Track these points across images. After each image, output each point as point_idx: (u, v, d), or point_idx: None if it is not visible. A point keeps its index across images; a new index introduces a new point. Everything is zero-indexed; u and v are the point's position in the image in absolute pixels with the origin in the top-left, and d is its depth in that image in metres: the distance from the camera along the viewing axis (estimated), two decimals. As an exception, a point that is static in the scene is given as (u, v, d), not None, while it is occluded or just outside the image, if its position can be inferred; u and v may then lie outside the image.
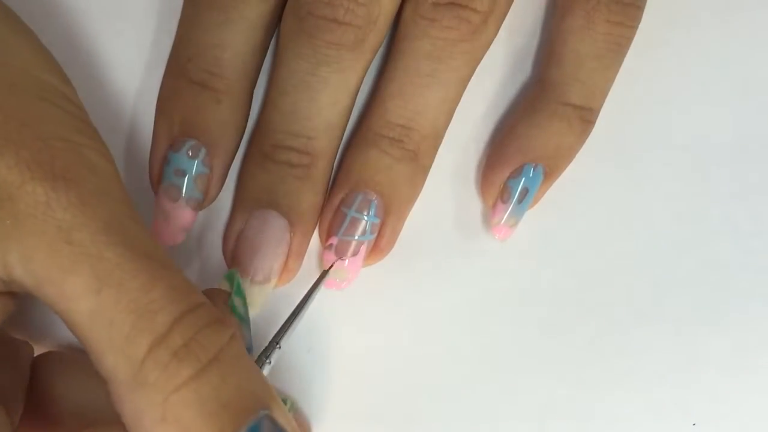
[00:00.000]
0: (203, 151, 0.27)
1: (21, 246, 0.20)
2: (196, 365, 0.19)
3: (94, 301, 0.19)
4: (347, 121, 0.28)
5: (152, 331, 0.19)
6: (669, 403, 0.30)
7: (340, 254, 0.28)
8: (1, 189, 0.20)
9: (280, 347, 0.25)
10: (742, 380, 0.30)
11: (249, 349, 0.25)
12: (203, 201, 0.27)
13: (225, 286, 0.26)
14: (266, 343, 0.25)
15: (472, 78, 0.28)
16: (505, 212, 0.28)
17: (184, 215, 0.27)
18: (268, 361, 0.25)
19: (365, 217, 0.27)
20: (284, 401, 0.26)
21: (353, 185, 0.27)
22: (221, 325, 0.20)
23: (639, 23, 0.28)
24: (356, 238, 0.27)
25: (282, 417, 0.20)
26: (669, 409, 0.30)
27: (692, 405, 0.30)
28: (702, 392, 0.30)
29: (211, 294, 0.24)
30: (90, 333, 0.20)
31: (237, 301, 0.25)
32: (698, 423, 0.30)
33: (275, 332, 0.25)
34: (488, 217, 0.29)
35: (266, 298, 0.27)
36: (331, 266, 0.28)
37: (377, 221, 0.27)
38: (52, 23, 0.29)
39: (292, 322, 0.26)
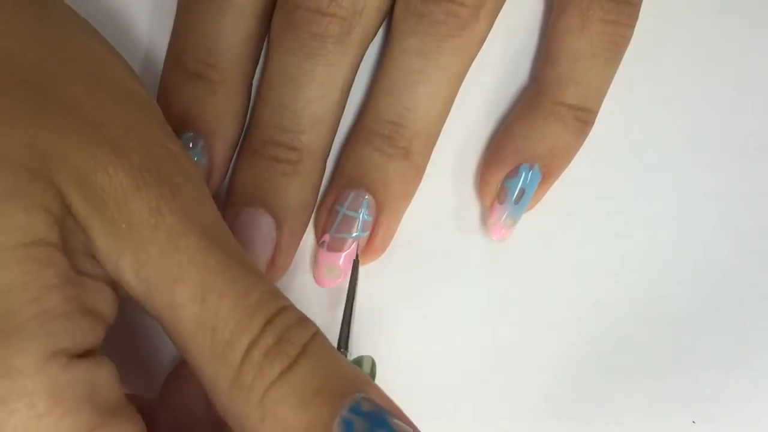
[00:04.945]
0: (201, 142, 0.27)
1: (135, 251, 0.20)
2: (285, 360, 0.20)
3: (198, 309, 0.20)
4: (338, 117, 0.28)
5: (248, 335, 0.20)
6: (668, 401, 0.30)
7: (332, 251, 0.28)
8: (118, 193, 0.20)
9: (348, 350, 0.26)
10: (741, 379, 0.30)
11: None
12: None
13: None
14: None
15: (470, 78, 0.28)
16: (502, 213, 0.28)
17: None
18: None
19: (358, 215, 0.27)
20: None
21: (345, 183, 0.28)
22: (306, 323, 0.21)
23: (635, 21, 0.28)
24: (348, 235, 0.27)
25: (380, 397, 0.21)
26: (668, 407, 0.30)
27: (692, 403, 0.30)
28: (701, 390, 0.30)
29: None
30: (193, 341, 0.20)
31: None
32: (698, 421, 0.30)
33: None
34: (486, 218, 0.29)
35: None
36: (357, 258, 0.28)
37: (370, 219, 0.27)
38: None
39: (349, 326, 0.26)
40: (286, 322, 0.20)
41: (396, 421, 0.20)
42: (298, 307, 0.21)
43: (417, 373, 0.30)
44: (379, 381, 0.29)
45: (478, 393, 0.30)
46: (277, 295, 0.21)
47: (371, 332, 0.30)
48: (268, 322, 0.20)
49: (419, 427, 0.29)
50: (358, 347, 0.29)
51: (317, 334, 0.21)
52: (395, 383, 0.29)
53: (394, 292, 0.30)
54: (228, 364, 0.20)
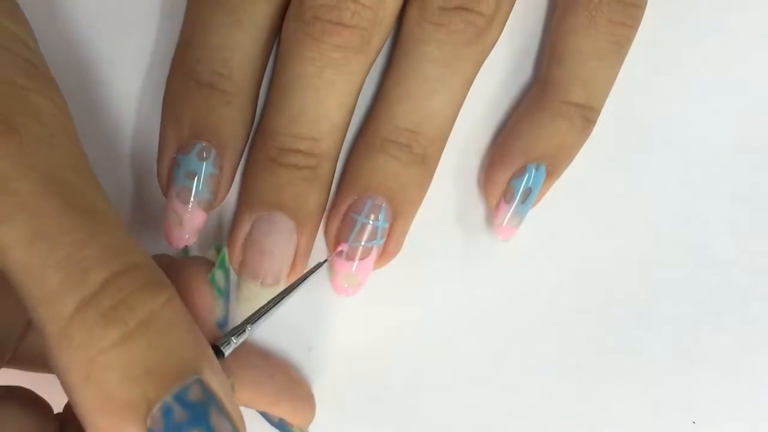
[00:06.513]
0: (213, 152, 0.27)
1: None
2: (122, 329, 0.19)
3: (26, 253, 0.19)
4: (350, 120, 0.28)
5: (81, 290, 0.19)
6: (668, 401, 0.30)
7: (351, 260, 0.27)
8: None
9: (247, 331, 0.24)
10: (741, 379, 0.30)
11: (221, 325, 0.24)
12: (213, 202, 0.27)
13: (212, 255, 0.25)
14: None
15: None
16: (509, 212, 0.28)
17: (195, 217, 0.27)
18: (233, 341, 0.23)
19: (375, 223, 0.27)
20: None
21: (362, 191, 0.27)
22: (156, 288, 0.20)
23: (639, 24, 0.28)
24: (367, 243, 0.27)
25: (215, 381, 0.20)
26: (668, 408, 0.30)
27: (692, 403, 0.30)
28: (701, 391, 0.30)
29: (191, 262, 0.24)
30: (22, 283, 0.19)
31: (218, 274, 0.24)
32: (698, 421, 0.30)
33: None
34: (491, 218, 0.29)
35: None
36: (325, 260, 0.27)
37: (387, 226, 0.27)
38: (53, 24, 0.29)
39: (269, 309, 0.24)
40: (130, 283, 0.19)
41: (217, 417, 0.19)
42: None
43: (417, 373, 0.30)
44: (379, 381, 0.30)
45: (477, 393, 0.30)
46: (125, 249, 0.19)
47: (372, 332, 0.30)
48: (108, 280, 0.19)
49: (418, 426, 0.29)
50: (357, 346, 0.30)
51: (168, 302, 0.20)
52: (395, 383, 0.30)
53: (396, 292, 0.30)
54: (57, 313, 0.19)
